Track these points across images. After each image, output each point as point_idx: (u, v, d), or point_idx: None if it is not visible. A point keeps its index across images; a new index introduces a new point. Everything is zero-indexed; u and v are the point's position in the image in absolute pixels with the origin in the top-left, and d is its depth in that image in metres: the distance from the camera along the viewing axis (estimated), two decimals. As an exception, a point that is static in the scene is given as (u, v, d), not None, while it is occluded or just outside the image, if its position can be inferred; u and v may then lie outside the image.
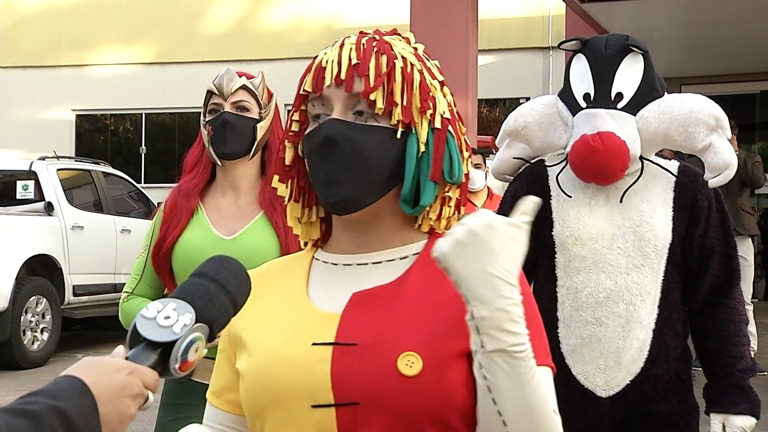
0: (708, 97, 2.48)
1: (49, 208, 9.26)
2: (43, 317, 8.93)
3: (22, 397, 1.02)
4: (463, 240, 1.13)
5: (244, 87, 2.65)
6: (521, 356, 1.14)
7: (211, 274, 1.17)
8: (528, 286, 1.34)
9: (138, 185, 11.51)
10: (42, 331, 8.90)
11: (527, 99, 12.17)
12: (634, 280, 2.41)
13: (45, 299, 8.93)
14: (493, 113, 16.10)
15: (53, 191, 9.43)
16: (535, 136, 2.58)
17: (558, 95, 2.56)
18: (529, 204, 1.17)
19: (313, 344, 1.26)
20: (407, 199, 1.31)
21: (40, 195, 9.44)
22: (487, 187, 6.62)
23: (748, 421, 2.38)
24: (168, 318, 1.10)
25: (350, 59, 1.30)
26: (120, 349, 1.11)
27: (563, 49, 2.57)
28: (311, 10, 16.24)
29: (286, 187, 1.38)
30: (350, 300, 1.29)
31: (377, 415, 1.20)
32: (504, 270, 1.14)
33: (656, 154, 2.52)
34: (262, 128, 2.64)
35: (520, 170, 2.64)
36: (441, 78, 1.36)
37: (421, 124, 1.30)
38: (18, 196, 9.58)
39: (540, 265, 2.55)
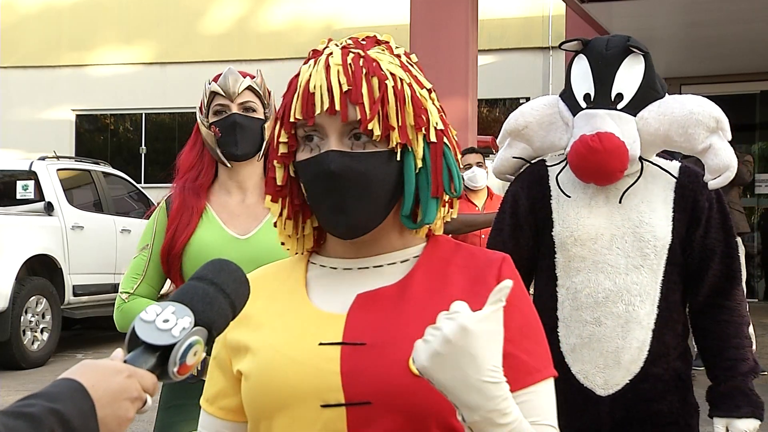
0: (708, 97, 2.48)
1: (49, 208, 9.26)
2: (43, 317, 8.93)
3: (21, 400, 1.02)
4: (441, 351, 1.09)
5: (249, 88, 2.65)
6: None
7: (210, 277, 1.17)
8: (527, 293, 1.33)
9: (138, 185, 11.52)
10: (42, 331, 8.90)
11: (527, 99, 12.19)
12: (634, 280, 2.42)
13: (45, 299, 8.93)
14: (493, 113, 16.11)
15: (53, 191, 9.43)
16: (535, 135, 2.58)
17: (559, 96, 2.56)
18: (503, 291, 1.13)
19: (320, 344, 1.25)
20: (408, 215, 1.31)
21: (40, 195, 9.44)
22: (487, 187, 6.62)
23: (751, 424, 2.38)
24: (167, 321, 1.10)
25: (341, 85, 1.26)
26: (118, 352, 1.11)
27: (564, 50, 2.57)
28: (311, 10, 16.24)
29: (278, 205, 1.36)
30: (355, 300, 1.29)
31: (387, 414, 1.21)
32: (489, 372, 1.11)
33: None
34: (268, 128, 2.65)
35: (521, 170, 2.64)
36: (428, 85, 1.35)
37: (417, 140, 1.29)
38: (18, 196, 9.59)
39: (540, 266, 2.56)
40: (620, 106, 2.41)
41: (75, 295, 9.40)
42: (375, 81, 1.27)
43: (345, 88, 1.26)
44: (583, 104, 2.45)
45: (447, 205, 1.35)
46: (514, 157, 2.63)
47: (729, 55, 11.74)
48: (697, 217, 2.44)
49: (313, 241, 1.39)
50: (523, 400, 1.23)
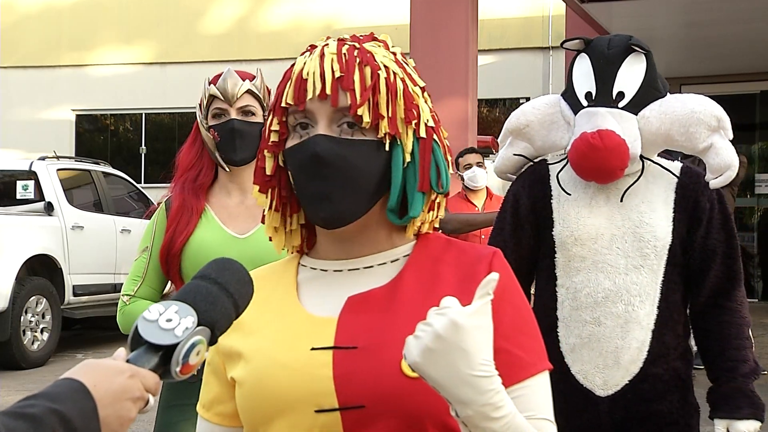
0: (708, 97, 2.48)
1: (49, 208, 9.26)
2: (43, 317, 8.93)
3: (22, 400, 1.01)
4: (432, 347, 1.09)
5: (249, 91, 2.64)
6: (509, 429, 1.13)
7: (213, 276, 1.17)
8: (519, 287, 1.33)
9: (138, 185, 11.51)
10: (42, 331, 8.90)
11: (527, 99, 12.18)
12: (633, 280, 2.41)
13: (45, 299, 8.93)
14: (493, 113, 16.10)
15: (53, 191, 9.43)
16: (537, 134, 2.58)
17: (561, 95, 2.56)
18: (490, 284, 1.12)
19: (312, 349, 1.25)
20: (394, 209, 1.30)
21: (40, 195, 9.44)
22: (486, 188, 6.62)
23: (752, 425, 2.38)
24: (170, 321, 1.10)
25: (333, 71, 1.27)
26: (121, 352, 1.10)
27: (566, 49, 2.56)
28: (311, 10, 16.23)
29: (267, 196, 1.36)
30: (346, 303, 1.29)
31: (382, 417, 1.20)
32: (480, 366, 1.10)
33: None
34: None
35: (523, 170, 2.64)
36: (422, 84, 1.35)
37: (407, 134, 1.29)
38: (18, 196, 9.58)
39: (541, 265, 2.56)
40: (621, 104, 2.40)
41: (75, 295, 9.40)
42: (368, 70, 1.28)
43: (337, 74, 1.27)
44: (585, 103, 2.45)
45: (435, 208, 1.34)
46: (515, 155, 2.62)
47: (729, 55, 11.74)
48: (698, 217, 2.44)
49: (300, 239, 1.39)
50: (517, 395, 1.23)
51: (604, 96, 2.42)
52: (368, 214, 1.30)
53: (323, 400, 1.22)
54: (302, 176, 1.29)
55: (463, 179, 6.56)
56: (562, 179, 2.51)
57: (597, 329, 2.42)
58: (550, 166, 2.57)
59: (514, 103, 14.56)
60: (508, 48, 15.51)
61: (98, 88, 17.06)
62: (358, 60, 1.28)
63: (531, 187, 2.57)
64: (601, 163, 2.36)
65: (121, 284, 2.75)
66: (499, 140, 2.71)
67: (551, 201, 2.52)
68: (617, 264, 2.43)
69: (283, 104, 1.30)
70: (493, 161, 2.75)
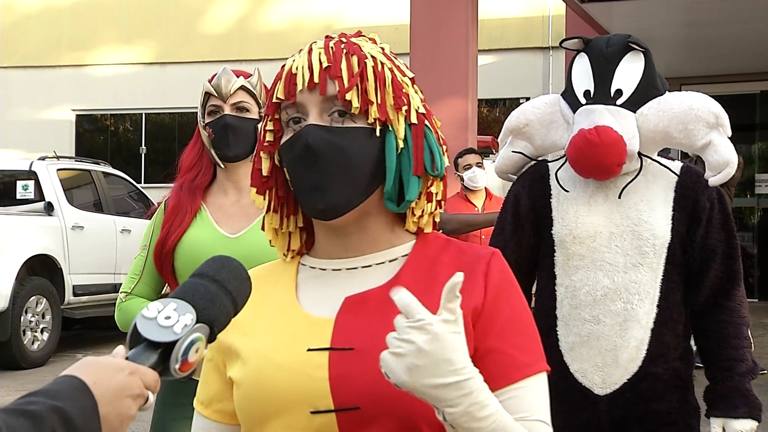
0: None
1: (49, 208, 9.26)
2: (43, 317, 8.93)
3: (22, 398, 1.01)
4: (417, 363, 1.09)
5: (243, 88, 2.64)
6: (496, 428, 1.14)
7: (211, 274, 1.17)
8: (517, 286, 1.33)
9: (138, 185, 11.51)
10: (42, 331, 8.90)
11: (527, 99, 12.16)
12: (632, 279, 2.41)
13: (45, 299, 8.93)
14: (493, 113, 16.10)
15: (53, 191, 9.43)
16: (536, 134, 2.58)
17: (561, 95, 2.56)
18: (456, 285, 1.11)
19: (309, 350, 1.25)
20: (391, 196, 1.30)
21: (40, 195, 9.44)
22: (485, 188, 6.63)
23: (748, 424, 2.38)
24: (169, 318, 1.10)
25: (321, 63, 1.29)
26: (120, 349, 1.11)
27: (564, 48, 2.57)
28: (311, 10, 16.23)
29: (264, 198, 1.37)
30: (343, 304, 1.29)
31: (377, 418, 1.20)
32: (463, 369, 1.11)
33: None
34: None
35: (524, 170, 2.64)
36: (411, 75, 1.36)
37: (398, 120, 1.30)
38: (18, 196, 9.58)
39: (541, 264, 2.56)
40: (619, 101, 2.41)
41: (75, 295, 9.39)
42: (354, 59, 1.30)
43: (325, 65, 1.29)
44: (583, 101, 2.45)
45: (434, 199, 1.35)
46: (513, 152, 2.63)
47: (729, 55, 11.74)
48: (697, 216, 2.44)
49: (300, 241, 1.39)
50: (512, 395, 1.23)
51: (602, 94, 2.42)
52: (365, 205, 1.30)
53: (319, 402, 1.22)
54: (296, 169, 1.29)
55: (462, 179, 6.56)
56: (561, 177, 2.52)
57: (596, 327, 2.43)
58: (549, 165, 2.58)
59: (514, 103, 14.55)
60: (508, 48, 15.51)
61: (98, 88, 17.06)
62: (345, 51, 1.30)
63: (531, 186, 2.58)
64: (598, 160, 2.36)
65: (121, 284, 2.76)
66: (499, 140, 2.72)
67: (551, 200, 2.53)
68: (616, 262, 2.43)
69: (274, 100, 1.32)
70: (493, 161, 2.76)
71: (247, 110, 2.64)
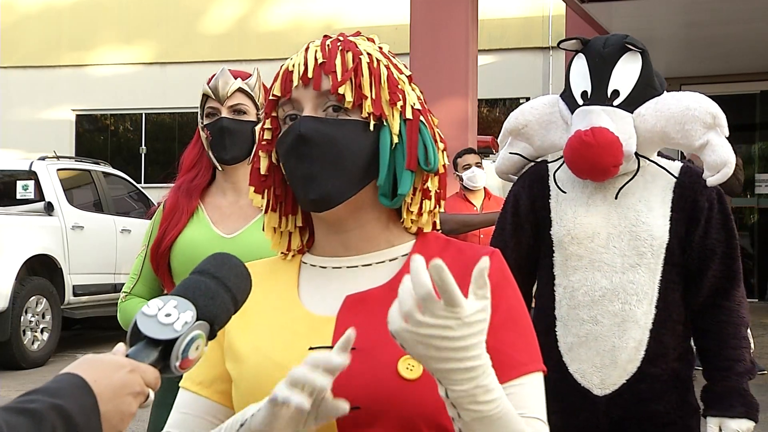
0: (708, 97, 2.48)
1: (49, 208, 9.26)
2: (43, 317, 8.93)
3: (22, 396, 1.01)
4: (441, 345, 1.06)
5: (240, 90, 2.63)
6: (499, 415, 1.12)
7: (211, 271, 1.17)
8: (515, 286, 1.33)
9: (138, 185, 11.51)
10: (42, 331, 8.90)
11: (527, 99, 12.18)
12: (630, 279, 2.41)
13: (45, 299, 8.93)
14: (493, 113, 16.10)
15: (53, 191, 9.43)
16: (536, 134, 2.59)
17: (560, 96, 2.57)
18: (483, 269, 1.08)
19: (311, 349, 1.25)
20: (385, 191, 1.31)
21: (40, 195, 9.44)
22: (484, 188, 6.64)
23: (744, 424, 2.37)
24: (169, 315, 1.10)
25: (316, 59, 1.30)
26: (120, 347, 1.10)
27: (562, 49, 2.57)
28: (311, 10, 16.23)
29: (263, 197, 1.37)
30: (344, 303, 1.29)
31: (378, 418, 1.20)
32: (479, 355, 1.08)
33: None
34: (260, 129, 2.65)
35: (524, 170, 2.65)
36: (408, 73, 1.36)
37: (393, 116, 1.30)
38: (18, 196, 9.58)
39: (541, 265, 2.56)
40: (616, 102, 2.41)
41: (75, 295, 9.39)
42: (349, 55, 1.30)
43: (320, 61, 1.30)
44: (581, 102, 2.45)
45: (432, 197, 1.34)
46: (511, 153, 2.63)
47: (729, 55, 11.74)
48: (696, 217, 2.44)
49: (300, 240, 1.39)
50: (507, 393, 1.21)
51: (599, 94, 2.42)
52: (360, 200, 1.31)
53: None
54: (290, 160, 1.30)
55: (461, 179, 6.57)
56: (559, 178, 2.52)
57: (594, 328, 2.43)
58: (549, 165, 2.58)
59: (514, 103, 14.55)
60: (508, 48, 15.50)
61: (98, 88, 17.05)
62: (340, 48, 1.31)
63: (531, 186, 2.58)
64: (594, 161, 2.37)
65: (122, 284, 2.78)
66: (498, 140, 2.72)
67: (549, 200, 2.53)
68: (614, 263, 2.43)
69: (271, 97, 1.33)
70: (493, 161, 2.76)
71: (244, 113, 2.64)
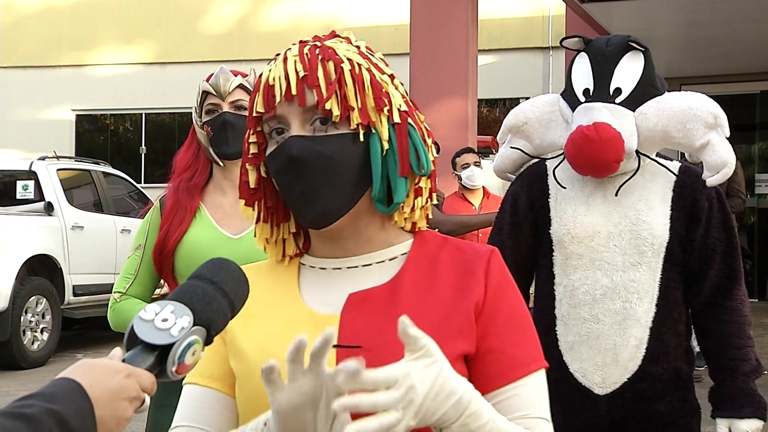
0: (708, 96, 2.48)
1: (49, 208, 9.26)
2: (43, 317, 8.93)
3: (19, 400, 1.01)
4: (418, 411, 1.08)
5: (241, 86, 2.65)
6: None
7: (209, 276, 1.17)
8: (515, 285, 1.33)
9: (138, 185, 11.52)
10: (42, 331, 8.90)
11: (527, 99, 12.17)
12: (631, 277, 2.41)
13: (45, 299, 8.94)
14: (493, 113, 16.11)
15: (53, 191, 9.43)
16: (535, 132, 2.58)
17: (560, 94, 2.57)
18: (405, 329, 1.09)
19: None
20: (380, 198, 1.30)
21: (40, 195, 9.45)
22: (483, 187, 6.64)
23: (753, 424, 2.38)
24: (166, 320, 1.09)
25: (297, 72, 1.27)
26: (117, 351, 1.10)
27: (564, 47, 2.57)
28: (311, 10, 16.23)
29: (253, 209, 1.36)
30: (347, 301, 1.29)
31: None
32: (455, 390, 1.10)
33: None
34: None
35: (522, 170, 2.64)
36: (389, 71, 1.35)
37: (381, 122, 1.29)
38: (18, 196, 9.59)
39: (540, 264, 2.56)
40: (618, 100, 2.41)
41: (75, 295, 9.40)
42: (331, 65, 1.28)
43: (301, 74, 1.27)
44: (582, 99, 2.45)
45: (423, 193, 1.34)
46: (512, 148, 2.63)
47: (729, 55, 11.74)
48: (696, 216, 2.44)
49: (294, 246, 1.38)
50: (512, 394, 1.23)
51: (601, 92, 2.42)
52: (356, 209, 1.30)
53: None
54: (284, 181, 1.29)
55: (460, 179, 6.57)
56: (558, 176, 2.52)
57: (595, 326, 2.43)
58: (548, 164, 2.58)
59: (514, 103, 14.53)
60: (508, 48, 15.51)
61: (98, 88, 17.06)
62: (320, 57, 1.28)
63: (529, 186, 2.58)
64: (596, 156, 2.36)
65: (122, 285, 2.75)
66: (498, 138, 2.72)
67: (549, 199, 2.53)
68: (614, 261, 2.43)
69: (254, 114, 1.31)
70: (493, 161, 2.75)
71: (245, 108, 2.64)
